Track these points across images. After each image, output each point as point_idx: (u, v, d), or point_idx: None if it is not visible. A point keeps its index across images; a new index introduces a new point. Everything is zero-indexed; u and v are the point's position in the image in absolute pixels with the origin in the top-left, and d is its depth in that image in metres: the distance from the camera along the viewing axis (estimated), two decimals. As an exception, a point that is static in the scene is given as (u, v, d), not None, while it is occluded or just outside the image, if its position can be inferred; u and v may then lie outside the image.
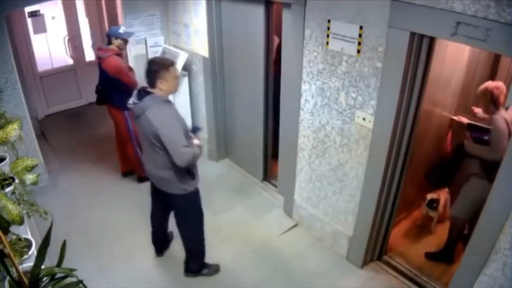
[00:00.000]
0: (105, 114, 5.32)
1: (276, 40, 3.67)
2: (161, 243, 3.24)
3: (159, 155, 2.49)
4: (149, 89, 2.48)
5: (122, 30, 3.66)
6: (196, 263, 3.03)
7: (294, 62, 2.98)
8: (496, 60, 3.46)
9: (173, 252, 3.32)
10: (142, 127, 2.50)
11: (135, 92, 2.55)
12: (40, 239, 1.45)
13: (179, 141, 2.38)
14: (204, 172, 4.27)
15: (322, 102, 2.90)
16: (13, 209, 1.45)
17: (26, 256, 1.59)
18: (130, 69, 3.88)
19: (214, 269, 3.08)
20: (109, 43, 3.66)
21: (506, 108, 2.55)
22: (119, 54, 3.69)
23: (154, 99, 2.43)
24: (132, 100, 2.51)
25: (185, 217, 2.83)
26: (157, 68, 2.43)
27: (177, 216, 2.87)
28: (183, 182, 2.59)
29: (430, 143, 3.19)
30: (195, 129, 2.73)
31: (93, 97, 5.87)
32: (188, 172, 2.58)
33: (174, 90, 2.57)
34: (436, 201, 3.15)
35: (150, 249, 3.35)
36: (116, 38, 3.63)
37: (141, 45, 4.26)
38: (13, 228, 1.59)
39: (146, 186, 4.10)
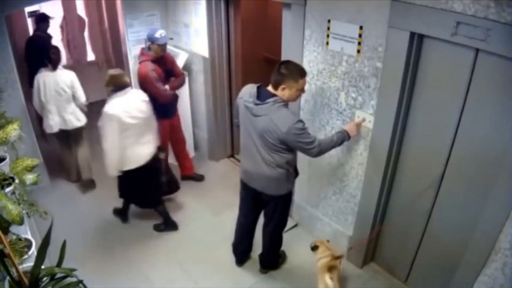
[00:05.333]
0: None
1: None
2: (244, 253, 3.16)
3: (275, 155, 2.43)
4: (270, 89, 2.40)
5: (158, 34, 3.38)
6: (277, 257, 3.11)
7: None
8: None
9: (171, 253, 3.32)
10: (256, 127, 2.40)
11: (254, 90, 2.42)
12: (40, 239, 1.46)
13: (306, 143, 2.35)
14: (205, 172, 4.29)
15: (322, 102, 2.90)
16: (13, 209, 1.45)
17: (26, 256, 1.58)
18: (178, 74, 3.70)
19: (283, 256, 3.19)
20: (150, 47, 3.47)
21: None
22: (156, 60, 3.45)
23: (277, 103, 2.33)
24: (252, 99, 2.39)
25: (282, 217, 2.82)
26: (287, 73, 2.32)
27: (274, 217, 2.80)
28: (289, 181, 2.58)
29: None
30: None
31: (93, 97, 5.88)
32: (295, 170, 2.62)
33: (292, 101, 2.47)
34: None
35: (149, 248, 3.35)
36: (153, 43, 3.41)
37: (141, 45, 4.24)
38: (13, 228, 1.59)
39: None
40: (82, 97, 3.86)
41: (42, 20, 4.60)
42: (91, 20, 5.85)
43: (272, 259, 3.08)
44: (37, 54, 3.93)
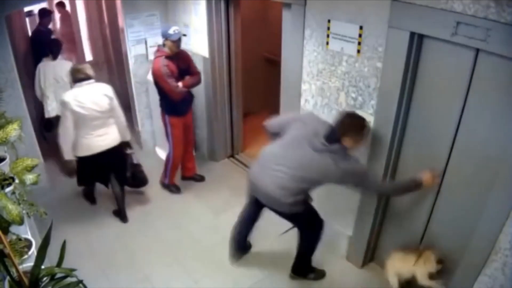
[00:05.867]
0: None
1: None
2: (241, 250, 3.18)
3: (300, 185, 2.43)
4: (338, 134, 2.37)
5: (172, 30, 3.35)
6: (305, 265, 2.99)
7: (294, 62, 2.98)
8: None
9: (171, 252, 3.32)
10: (306, 160, 2.38)
11: (323, 129, 2.42)
12: (40, 239, 1.46)
13: (368, 181, 2.44)
14: (205, 172, 4.30)
15: (322, 102, 2.90)
16: (13, 209, 1.45)
17: (26, 256, 1.59)
18: (193, 73, 3.65)
19: (321, 274, 3.03)
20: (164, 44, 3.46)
21: None
22: (170, 57, 3.43)
23: (343, 149, 2.36)
24: (320, 138, 2.38)
25: (301, 227, 2.80)
26: (354, 124, 2.39)
27: (296, 225, 2.83)
28: (296, 206, 2.50)
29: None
30: None
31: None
32: (303, 198, 2.53)
33: (353, 150, 2.45)
34: None
35: (149, 248, 3.35)
36: (166, 39, 3.38)
37: (141, 45, 4.26)
38: (13, 228, 1.59)
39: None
40: None
41: (44, 15, 4.89)
42: (91, 20, 5.85)
43: (299, 265, 2.99)
44: (40, 47, 4.32)
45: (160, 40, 3.54)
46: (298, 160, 2.41)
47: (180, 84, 3.51)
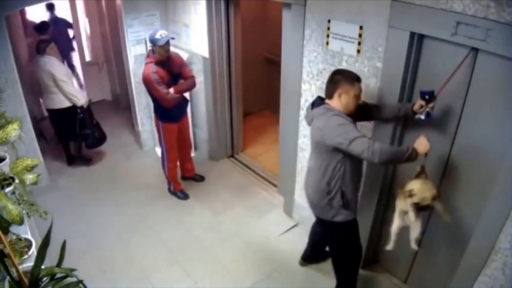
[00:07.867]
0: (104, 115, 5.34)
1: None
2: (307, 253, 3.11)
3: (318, 168, 2.31)
4: (326, 100, 2.29)
5: (158, 35, 3.22)
6: None
7: (294, 62, 2.98)
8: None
9: (171, 252, 3.32)
10: (311, 136, 2.36)
11: (312, 100, 2.39)
12: (40, 239, 1.45)
13: (351, 135, 2.07)
14: (205, 172, 4.30)
15: (322, 102, 2.90)
16: (13, 209, 1.45)
17: (26, 256, 1.58)
18: (186, 77, 3.54)
19: None
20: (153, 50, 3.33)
21: None
22: (160, 63, 3.33)
23: (325, 109, 2.23)
24: (306, 110, 2.40)
25: (333, 247, 2.61)
26: (341, 78, 2.22)
27: (325, 240, 2.64)
28: (333, 207, 2.35)
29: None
30: (425, 94, 2.16)
31: (93, 97, 5.90)
32: (341, 196, 2.32)
33: (351, 109, 2.25)
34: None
35: (149, 248, 3.35)
36: (154, 45, 3.24)
37: (141, 45, 4.26)
38: (13, 228, 1.59)
39: (143, 186, 4.12)
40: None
41: (52, 8, 5.79)
42: (91, 20, 5.85)
43: None
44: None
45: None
46: (311, 141, 2.38)
47: (171, 90, 3.41)
